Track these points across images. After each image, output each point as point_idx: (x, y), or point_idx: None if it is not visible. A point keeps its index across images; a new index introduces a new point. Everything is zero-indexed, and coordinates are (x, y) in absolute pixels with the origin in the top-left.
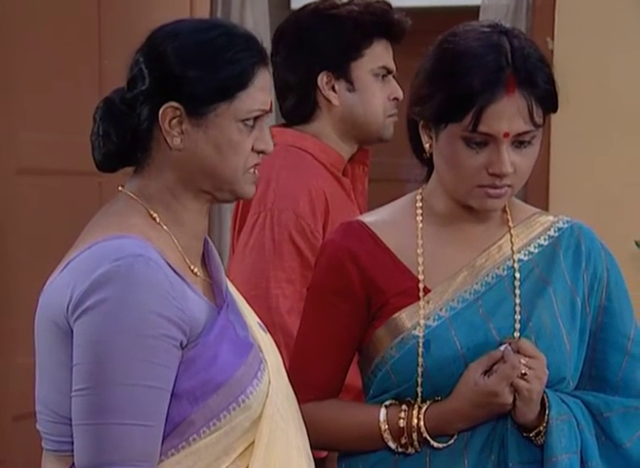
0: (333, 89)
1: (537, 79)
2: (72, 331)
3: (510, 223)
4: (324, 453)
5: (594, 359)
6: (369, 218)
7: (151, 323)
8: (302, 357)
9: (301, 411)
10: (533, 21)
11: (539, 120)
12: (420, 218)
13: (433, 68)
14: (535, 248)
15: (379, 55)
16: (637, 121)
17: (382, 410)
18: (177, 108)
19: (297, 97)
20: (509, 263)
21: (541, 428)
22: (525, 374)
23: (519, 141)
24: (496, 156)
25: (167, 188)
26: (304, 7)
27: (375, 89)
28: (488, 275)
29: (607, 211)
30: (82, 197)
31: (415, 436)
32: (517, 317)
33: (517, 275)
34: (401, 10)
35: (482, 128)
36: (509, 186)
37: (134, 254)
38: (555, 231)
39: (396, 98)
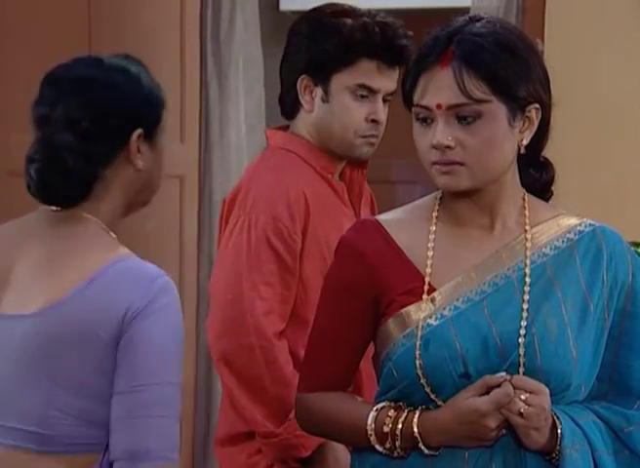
0: (311, 94)
1: (471, 52)
2: (120, 339)
3: (527, 225)
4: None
5: (616, 364)
6: (385, 217)
7: (182, 329)
8: (311, 347)
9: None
10: (523, 23)
11: (476, 93)
12: (435, 217)
13: None
14: (550, 250)
15: (361, 73)
16: (627, 121)
17: (372, 414)
18: (140, 134)
19: (282, 90)
20: (521, 265)
21: (554, 454)
22: (522, 413)
23: (462, 116)
24: (435, 129)
25: (114, 210)
26: (322, 6)
27: (348, 105)
28: (497, 276)
29: (599, 212)
30: None
31: (397, 442)
32: (523, 324)
33: (527, 279)
34: (390, 12)
35: (417, 99)
36: (461, 164)
37: (163, 272)
38: (575, 234)
39: (374, 120)
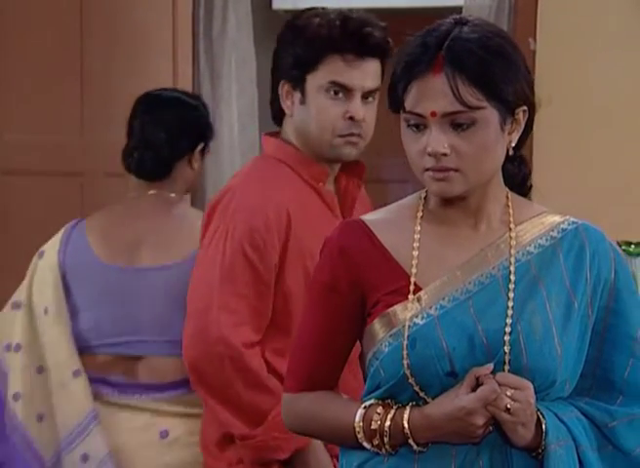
0: (292, 98)
1: (463, 59)
2: None
3: (511, 224)
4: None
5: (600, 360)
6: (370, 217)
7: None
8: (296, 347)
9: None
10: (515, 22)
11: (471, 101)
12: (419, 217)
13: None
14: (534, 248)
15: (330, 70)
16: (619, 121)
17: (360, 411)
18: (201, 147)
19: (270, 98)
20: (505, 264)
21: (539, 450)
22: (509, 409)
23: (456, 124)
24: (429, 136)
25: (180, 191)
26: (304, 10)
27: (323, 104)
28: (482, 275)
29: (590, 211)
30: (64, 197)
31: (386, 439)
32: (509, 322)
33: (512, 277)
34: (382, 11)
35: (409, 106)
36: (455, 170)
37: None
38: (558, 232)
39: (352, 118)
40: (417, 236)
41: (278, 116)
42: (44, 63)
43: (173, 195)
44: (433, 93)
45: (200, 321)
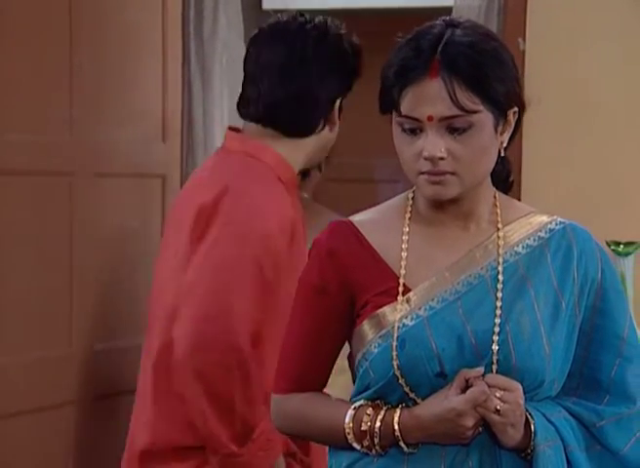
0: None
1: (459, 63)
2: None
3: (499, 224)
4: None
5: (587, 359)
6: (358, 217)
7: None
8: (285, 348)
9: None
10: (504, 22)
11: (468, 105)
12: (407, 217)
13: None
14: (523, 248)
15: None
16: (608, 121)
17: (350, 412)
18: None
19: (313, 111)
20: (494, 264)
21: (528, 451)
22: (498, 410)
23: (453, 128)
24: (426, 140)
25: None
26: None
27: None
28: (470, 275)
29: (579, 211)
30: (53, 198)
31: (376, 440)
32: (497, 322)
33: (500, 277)
34: (372, 11)
35: (405, 110)
36: (452, 174)
37: None
38: (546, 232)
39: None
40: (405, 237)
41: (310, 130)
42: (33, 63)
43: (306, 196)
44: (430, 97)
45: (216, 326)
